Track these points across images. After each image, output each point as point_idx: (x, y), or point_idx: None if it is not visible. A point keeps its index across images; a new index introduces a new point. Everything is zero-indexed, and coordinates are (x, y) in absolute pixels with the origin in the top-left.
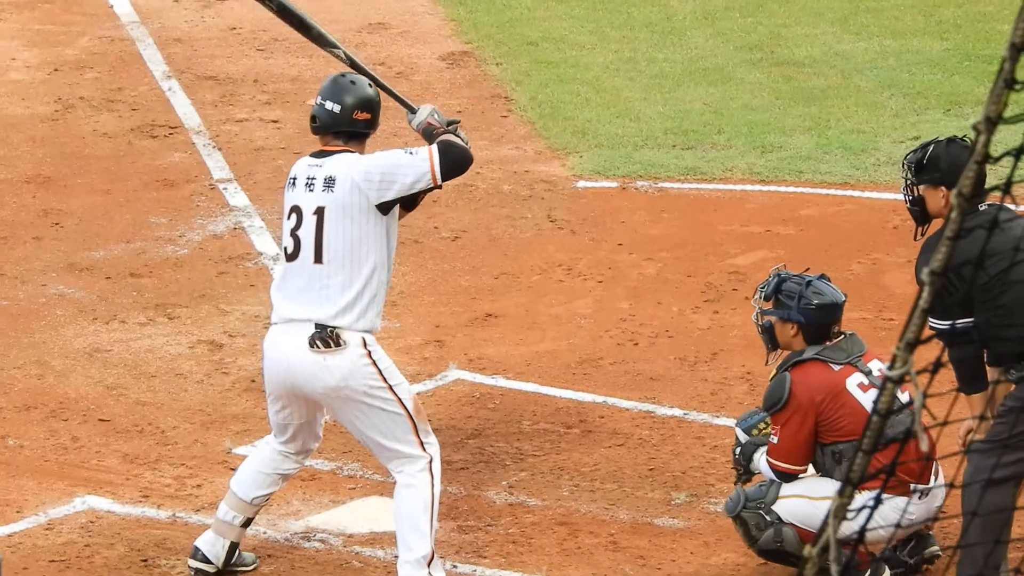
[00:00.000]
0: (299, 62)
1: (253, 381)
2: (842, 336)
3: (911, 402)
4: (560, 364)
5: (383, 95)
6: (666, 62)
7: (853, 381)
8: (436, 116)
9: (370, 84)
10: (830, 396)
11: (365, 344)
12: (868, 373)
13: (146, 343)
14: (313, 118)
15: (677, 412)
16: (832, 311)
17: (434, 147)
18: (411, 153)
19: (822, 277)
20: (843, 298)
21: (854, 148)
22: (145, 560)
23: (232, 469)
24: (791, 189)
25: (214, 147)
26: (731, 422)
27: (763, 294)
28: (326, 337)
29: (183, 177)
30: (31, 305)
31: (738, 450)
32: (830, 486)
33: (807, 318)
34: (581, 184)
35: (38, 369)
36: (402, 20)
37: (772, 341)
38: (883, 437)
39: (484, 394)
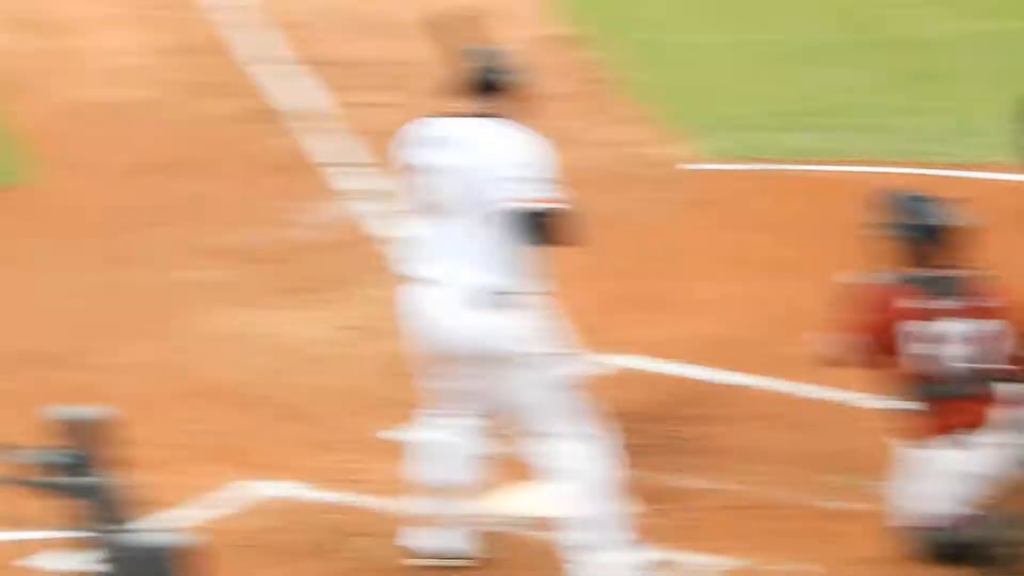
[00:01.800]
0: (398, 45)
1: (399, 365)
2: None
3: None
4: (722, 347)
5: None
6: (774, 43)
7: None
8: None
9: None
10: None
11: (531, 306)
12: None
13: (288, 328)
14: None
15: (850, 395)
16: None
17: None
18: None
19: None
20: None
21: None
22: (320, 543)
23: (392, 453)
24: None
25: (338, 131)
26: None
27: None
28: (498, 299)
29: (299, 162)
30: (170, 291)
31: None
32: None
33: None
34: (699, 166)
35: (181, 356)
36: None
37: None
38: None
39: (650, 378)
